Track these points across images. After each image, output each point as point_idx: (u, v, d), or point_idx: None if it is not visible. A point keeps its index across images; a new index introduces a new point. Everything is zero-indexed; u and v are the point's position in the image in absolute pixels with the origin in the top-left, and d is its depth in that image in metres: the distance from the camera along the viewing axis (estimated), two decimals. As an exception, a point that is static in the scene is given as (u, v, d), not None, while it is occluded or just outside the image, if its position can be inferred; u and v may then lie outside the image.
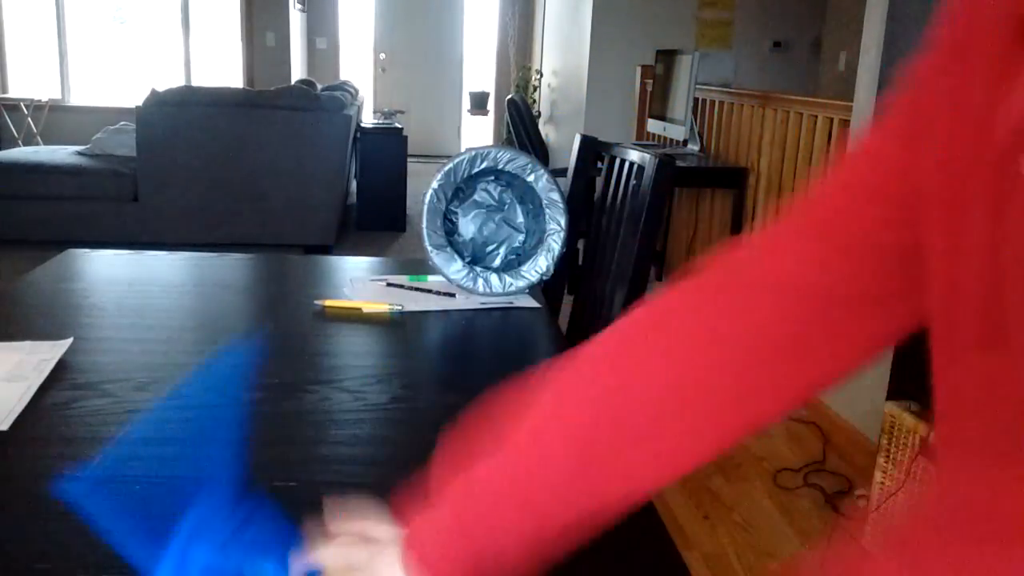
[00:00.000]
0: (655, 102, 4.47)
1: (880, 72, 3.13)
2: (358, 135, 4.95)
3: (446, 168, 1.38)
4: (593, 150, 1.67)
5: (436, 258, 1.37)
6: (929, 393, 0.39)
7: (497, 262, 1.45)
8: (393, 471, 0.81)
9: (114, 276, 1.47)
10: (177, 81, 6.79)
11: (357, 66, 8.37)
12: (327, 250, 4.23)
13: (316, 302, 1.28)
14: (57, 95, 6.76)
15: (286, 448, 0.81)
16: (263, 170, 4.19)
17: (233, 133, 4.15)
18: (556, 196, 1.40)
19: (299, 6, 7.32)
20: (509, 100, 6.99)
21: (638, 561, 0.65)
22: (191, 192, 4.17)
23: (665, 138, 4.39)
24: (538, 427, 0.51)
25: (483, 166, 1.38)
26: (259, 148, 4.17)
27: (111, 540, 0.53)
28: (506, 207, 1.45)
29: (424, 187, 1.39)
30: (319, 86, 4.94)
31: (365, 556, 0.52)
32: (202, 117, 4.13)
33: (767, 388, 0.48)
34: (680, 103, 3.98)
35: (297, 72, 7.28)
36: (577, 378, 0.52)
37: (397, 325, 1.24)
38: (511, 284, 1.38)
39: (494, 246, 1.45)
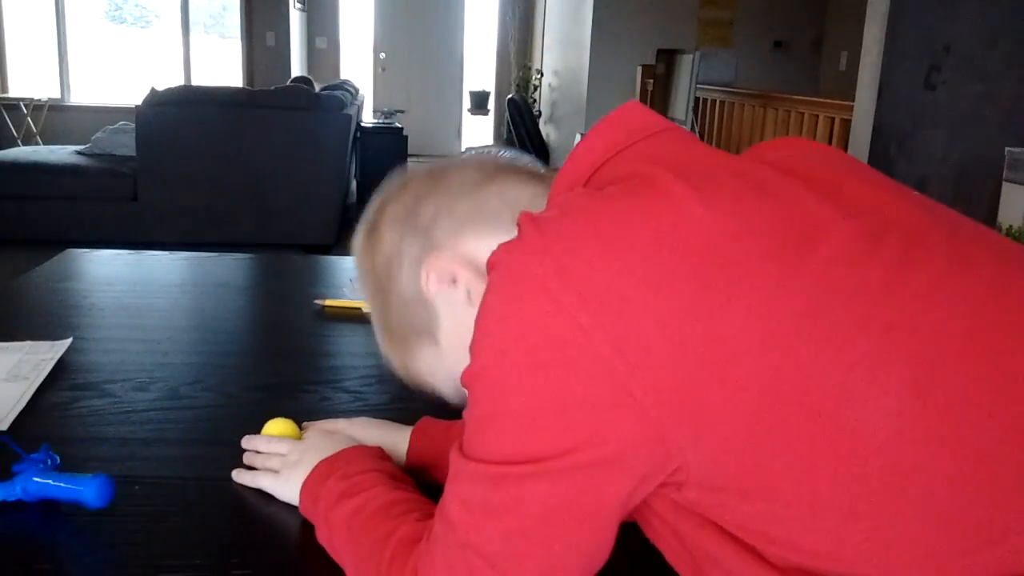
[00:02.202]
0: (656, 102, 4.46)
1: (881, 72, 3.13)
2: (358, 135, 4.95)
3: (446, 167, 1.38)
4: (594, 149, 1.66)
5: (436, 258, 1.37)
6: None
7: (497, 262, 1.44)
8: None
9: (113, 276, 1.46)
10: (177, 81, 6.78)
11: (357, 66, 8.37)
12: (327, 250, 4.23)
13: (316, 302, 1.27)
14: (56, 95, 6.75)
15: (286, 448, 0.80)
16: (263, 170, 4.18)
17: (233, 133, 4.15)
18: (557, 196, 1.39)
19: (299, 5, 7.32)
20: (509, 100, 6.99)
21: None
22: (191, 192, 4.17)
23: (665, 138, 4.38)
24: None
25: (483, 165, 1.38)
26: (259, 148, 4.16)
27: None
28: (506, 207, 1.45)
29: (424, 187, 1.39)
30: (317, 85, 4.94)
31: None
32: (202, 117, 4.12)
33: None
34: (681, 103, 3.98)
35: (297, 71, 7.27)
36: None
37: (397, 325, 1.23)
38: (511, 284, 1.37)
39: (494, 246, 1.45)
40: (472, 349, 0.48)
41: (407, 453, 0.76)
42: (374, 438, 0.77)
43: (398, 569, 0.52)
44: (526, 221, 0.47)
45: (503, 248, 0.47)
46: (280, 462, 0.73)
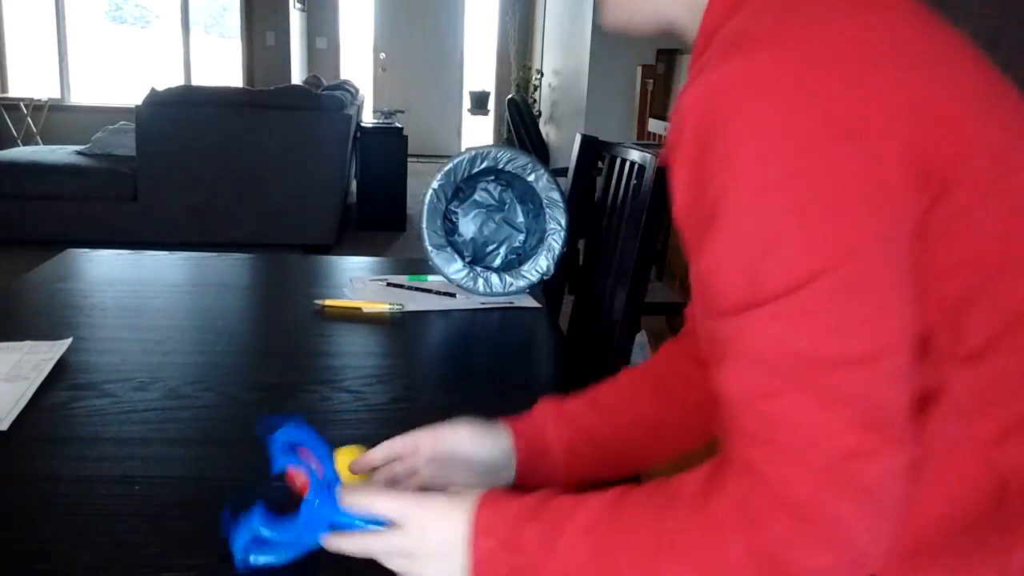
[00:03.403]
0: (656, 101, 4.46)
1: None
2: (358, 135, 4.95)
3: (446, 168, 1.38)
4: (594, 150, 1.66)
5: (436, 258, 1.37)
6: None
7: (497, 262, 1.44)
8: (393, 471, 0.80)
9: (113, 276, 1.46)
10: (177, 81, 6.78)
11: (357, 66, 8.36)
12: (327, 250, 4.23)
13: (316, 302, 1.27)
14: (57, 95, 6.75)
15: (286, 448, 0.80)
16: (263, 170, 4.18)
17: (233, 133, 4.15)
18: (556, 196, 1.40)
19: (299, 5, 7.32)
20: (509, 100, 6.99)
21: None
22: (191, 192, 4.17)
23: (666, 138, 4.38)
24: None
25: (483, 166, 1.38)
26: (259, 148, 4.16)
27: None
28: (506, 207, 1.45)
29: (424, 187, 1.39)
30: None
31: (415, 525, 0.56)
32: (202, 117, 4.12)
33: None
34: (680, 103, 3.97)
35: (297, 71, 7.27)
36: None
37: (397, 325, 1.24)
38: (511, 284, 1.38)
39: (494, 246, 1.45)
40: (723, 187, 0.49)
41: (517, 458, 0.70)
42: (487, 444, 0.70)
43: (720, 487, 0.49)
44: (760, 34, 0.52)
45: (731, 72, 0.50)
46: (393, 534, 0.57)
